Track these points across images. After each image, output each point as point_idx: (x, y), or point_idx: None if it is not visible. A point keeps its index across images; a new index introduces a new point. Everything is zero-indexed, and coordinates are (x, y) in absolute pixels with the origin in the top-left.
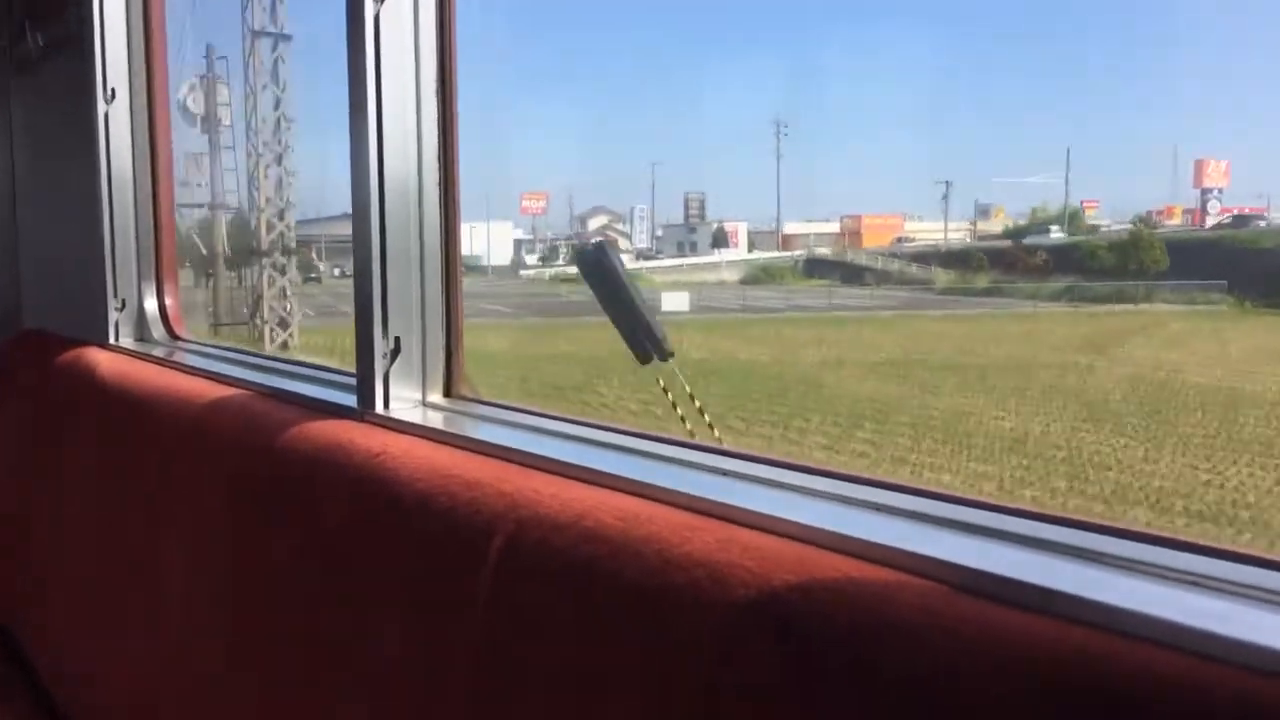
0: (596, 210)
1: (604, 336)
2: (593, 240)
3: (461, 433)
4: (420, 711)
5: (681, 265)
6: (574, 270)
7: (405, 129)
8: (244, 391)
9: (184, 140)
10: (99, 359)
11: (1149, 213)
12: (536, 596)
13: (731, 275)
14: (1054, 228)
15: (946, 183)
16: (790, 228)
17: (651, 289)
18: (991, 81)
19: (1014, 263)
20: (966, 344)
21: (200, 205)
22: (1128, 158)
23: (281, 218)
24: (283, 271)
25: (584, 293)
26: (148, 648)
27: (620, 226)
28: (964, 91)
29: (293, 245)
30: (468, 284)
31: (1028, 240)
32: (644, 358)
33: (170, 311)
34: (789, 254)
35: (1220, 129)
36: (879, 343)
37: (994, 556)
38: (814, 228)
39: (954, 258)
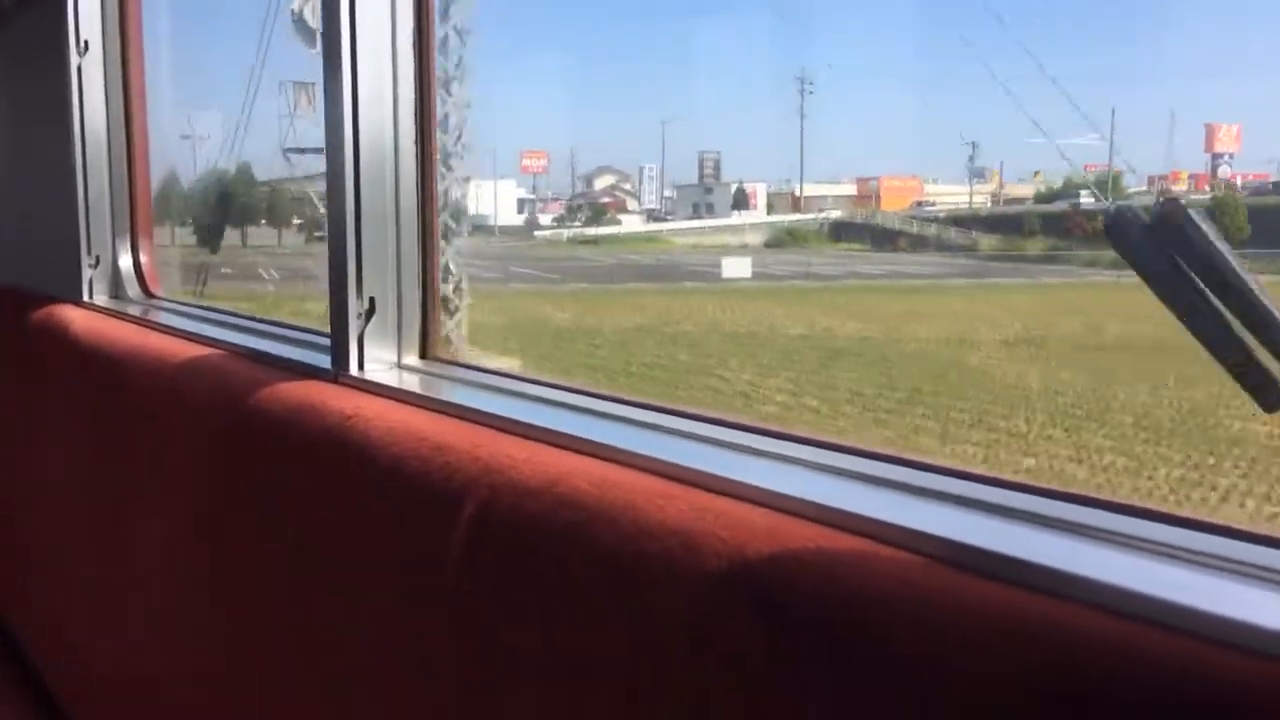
0: (603, 170)
1: (675, 306)
2: (1160, 198)
3: (436, 395)
4: (390, 672)
5: (703, 228)
6: (592, 232)
7: (381, 84)
8: (218, 351)
9: (297, 64)
10: (72, 316)
11: (1153, 178)
12: (509, 563)
13: (755, 238)
14: (1084, 193)
15: (972, 144)
16: (808, 189)
17: (674, 252)
18: (984, 38)
19: (1070, 228)
20: (1090, 318)
21: (316, 150)
22: (1124, 123)
23: (450, 167)
24: (449, 238)
25: (612, 256)
26: (122, 605)
27: (627, 186)
28: (961, 54)
29: (464, 205)
30: (481, 245)
31: (1055, 205)
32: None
33: (145, 269)
34: (812, 216)
35: (1211, 94)
36: (983, 315)
37: (973, 528)
38: (825, 189)
39: (1000, 222)
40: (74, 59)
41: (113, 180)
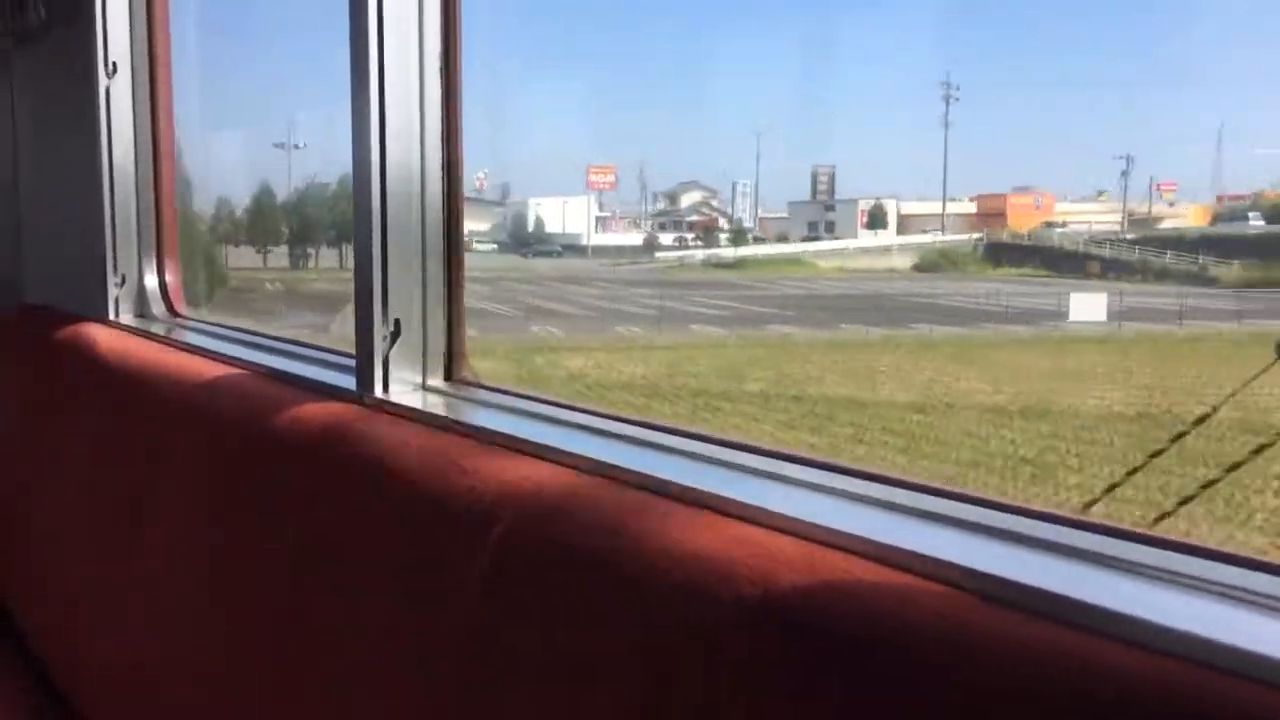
0: (689, 185)
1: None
2: None
3: (460, 418)
4: (413, 699)
5: (845, 249)
6: (729, 254)
7: (409, 105)
8: (242, 371)
9: None
10: (99, 335)
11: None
12: (533, 589)
13: (902, 261)
14: (1252, 214)
15: (1127, 157)
16: (907, 207)
17: (845, 278)
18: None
19: None
20: None
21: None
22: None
23: None
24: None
25: (768, 282)
26: (143, 625)
27: (716, 203)
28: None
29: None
30: (596, 268)
31: (1222, 228)
32: None
33: (171, 288)
34: (965, 236)
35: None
36: None
37: (1015, 563)
38: (930, 207)
39: (1212, 244)
40: (103, 80)
41: (139, 201)
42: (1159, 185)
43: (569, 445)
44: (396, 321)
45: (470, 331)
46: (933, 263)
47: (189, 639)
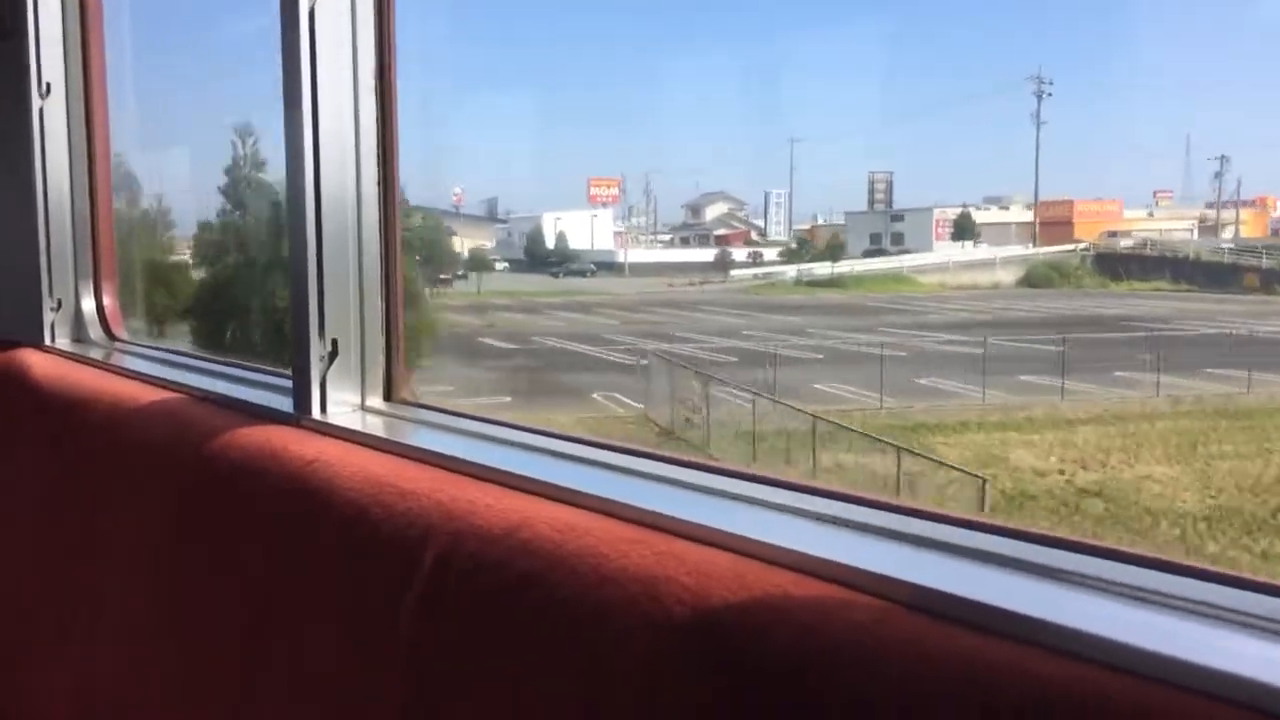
0: (713, 196)
1: None
2: None
3: (399, 439)
4: (346, 713)
5: (946, 264)
6: (822, 271)
7: (342, 125)
8: (181, 395)
9: None
10: (33, 360)
11: None
12: (469, 610)
13: (1006, 275)
14: None
15: (1221, 158)
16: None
17: (936, 295)
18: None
19: None
20: None
21: None
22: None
23: None
24: None
25: (903, 303)
26: (86, 648)
27: (742, 215)
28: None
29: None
30: (658, 287)
31: None
32: None
33: (109, 311)
34: (1070, 247)
35: None
36: None
37: (945, 573)
38: (994, 216)
39: None
40: (36, 101)
41: (75, 222)
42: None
43: (507, 465)
44: (334, 341)
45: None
46: (1044, 277)
47: (140, 663)
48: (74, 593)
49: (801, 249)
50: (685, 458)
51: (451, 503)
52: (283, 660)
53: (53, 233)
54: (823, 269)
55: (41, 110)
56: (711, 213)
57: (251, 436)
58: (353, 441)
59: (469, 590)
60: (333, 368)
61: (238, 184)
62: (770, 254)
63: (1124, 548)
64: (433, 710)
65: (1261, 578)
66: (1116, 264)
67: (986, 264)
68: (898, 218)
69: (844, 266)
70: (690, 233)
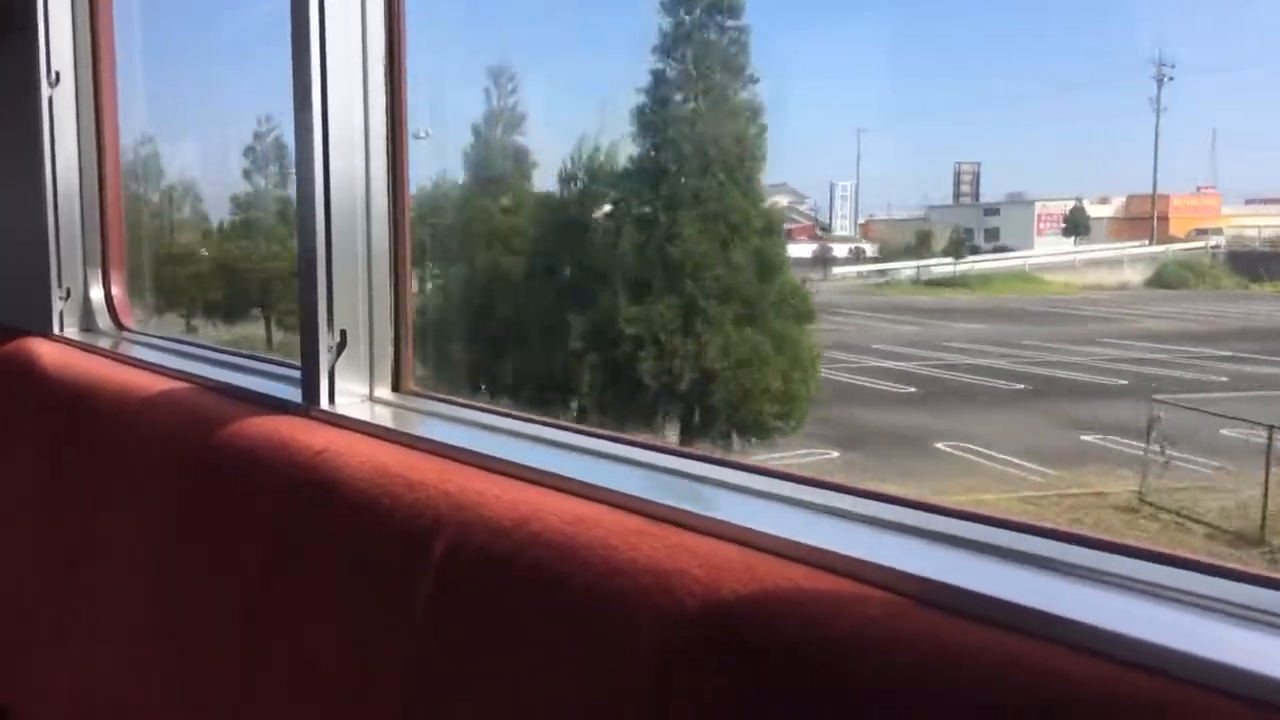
0: (775, 188)
1: None
2: None
3: (407, 430)
4: (362, 714)
5: (1073, 261)
6: (940, 269)
7: (352, 117)
8: (189, 385)
9: None
10: (42, 349)
11: None
12: (478, 601)
13: (1134, 275)
14: None
15: None
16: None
17: (1075, 296)
18: None
19: None
20: None
21: None
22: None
23: None
24: None
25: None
26: (87, 644)
27: (803, 208)
28: None
29: None
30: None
31: None
32: None
33: (117, 301)
34: (1200, 245)
35: None
36: None
37: (955, 567)
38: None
39: None
40: (45, 90)
41: (84, 212)
42: None
43: (516, 456)
44: (343, 332)
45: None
46: (1177, 277)
47: (143, 659)
48: (77, 582)
49: (920, 245)
50: (695, 451)
51: (460, 494)
52: (287, 649)
53: (62, 222)
54: (939, 268)
55: (51, 100)
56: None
57: (260, 426)
58: (361, 432)
59: (478, 581)
60: (341, 358)
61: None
62: (840, 250)
63: (1139, 544)
64: (440, 702)
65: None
66: (1255, 263)
67: (1112, 263)
68: (992, 211)
69: (946, 265)
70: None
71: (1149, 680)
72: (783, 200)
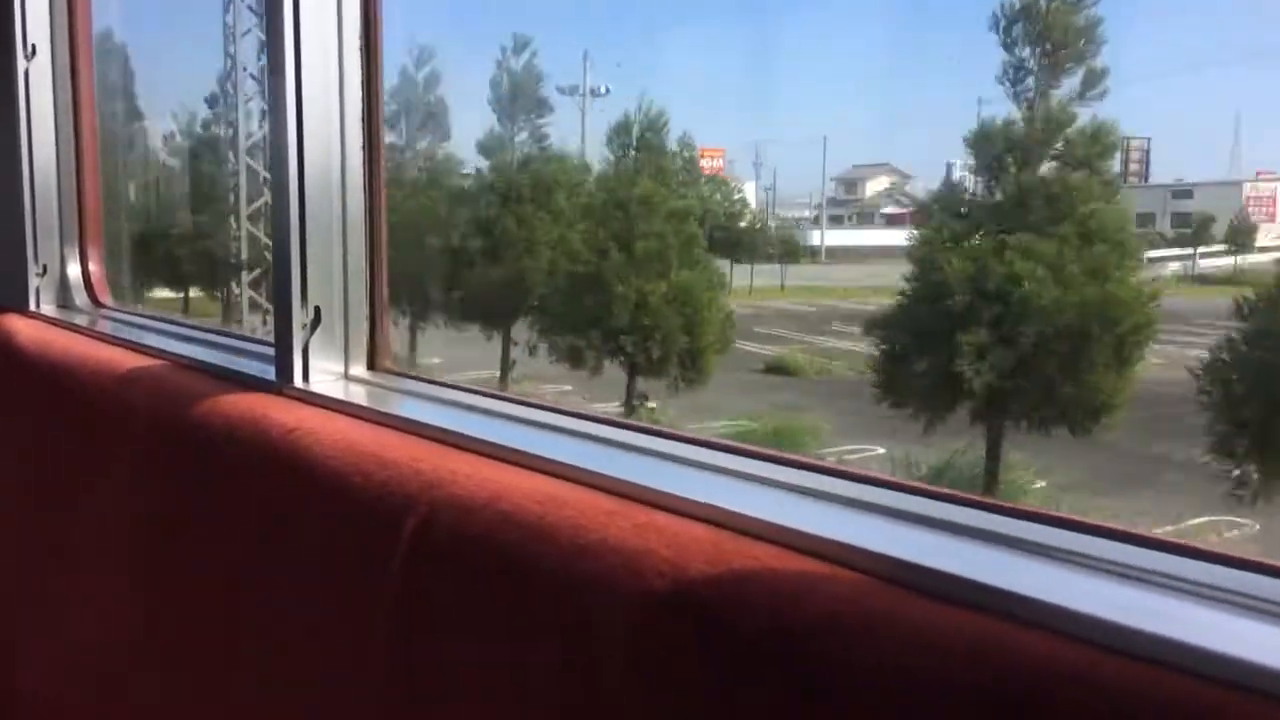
0: (875, 169)
1: None
2: None
3: (381, 408)
4: (332, 694)
5: None
6: (1230, 263)
7: (327, 88)
8: (164, 362)
9: None
10: (17, 326)
11: None
12: (449, 582)
13: None
14: None
15: None
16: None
17: None
18: None
19: None
20: None
21: None
22: None
23: None
24: None
25: None
26: (62, 624)
27: (910, 190)
28: None
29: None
30: None
31: None
32: None
33: (94, 277)
34: None
35: None
36: None
37: (926, 546)
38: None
39: None
40: (20, 63)
41: (61, 188)
42: None
43: (489, 435)
44: (317, 309)
45: None
46: None
47: (118, 632)
48: (50, 559)
49: (1201, 231)
50: (665, 429)
51: (432, 472)
52: (260, 624)
53: (38, 197)
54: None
55: (27, 73)
56: (872, 187)
57: (233, 404)
58: (335, 410)
59: (449, 560)
60: (315, 336)
61: None
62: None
63: (1113, 525)
64: (412, 680)
65: (1259, 559)
66: None
67: None
68: (1183, 194)
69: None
70: (843, 210)
71: (1122, 663)
72: (884, 181)
